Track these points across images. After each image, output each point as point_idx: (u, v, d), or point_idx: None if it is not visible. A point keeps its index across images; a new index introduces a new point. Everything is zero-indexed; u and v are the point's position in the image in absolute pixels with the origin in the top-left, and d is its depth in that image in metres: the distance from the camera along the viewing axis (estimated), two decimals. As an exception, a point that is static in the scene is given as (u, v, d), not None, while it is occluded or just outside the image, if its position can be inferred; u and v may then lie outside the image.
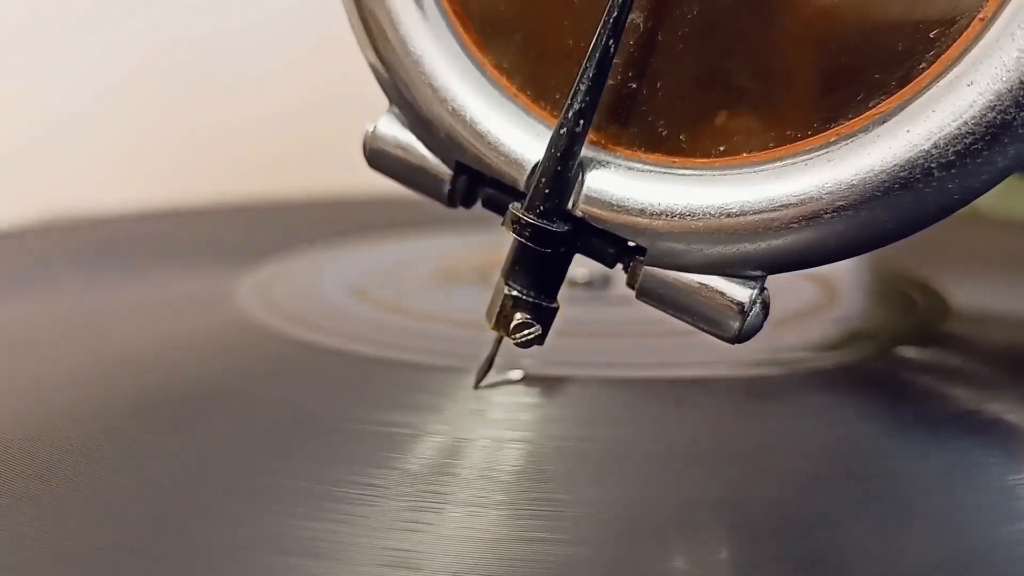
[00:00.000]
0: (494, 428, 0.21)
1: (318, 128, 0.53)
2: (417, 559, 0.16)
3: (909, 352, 0.26)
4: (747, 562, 0.17)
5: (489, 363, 0.22)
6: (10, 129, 0.53)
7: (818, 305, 0.29)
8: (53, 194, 0.49)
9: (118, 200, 0.46)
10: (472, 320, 0.26)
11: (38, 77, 0.53)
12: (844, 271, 0.32)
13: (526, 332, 0.21)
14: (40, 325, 0.29)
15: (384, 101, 0.22)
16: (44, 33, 0.53)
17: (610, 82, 0.20)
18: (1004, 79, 0.17)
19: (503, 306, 0.21)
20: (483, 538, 0.17)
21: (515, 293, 0.21)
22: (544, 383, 0.22)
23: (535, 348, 0.21)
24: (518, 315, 0.21)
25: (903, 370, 0.25)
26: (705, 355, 0.24)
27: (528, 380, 0.22)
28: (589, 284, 0.30)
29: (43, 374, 0.25)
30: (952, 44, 0.18)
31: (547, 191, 0.20)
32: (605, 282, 0.30)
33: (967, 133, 0.18)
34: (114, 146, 0.54)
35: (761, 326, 0.20)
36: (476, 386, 0.22)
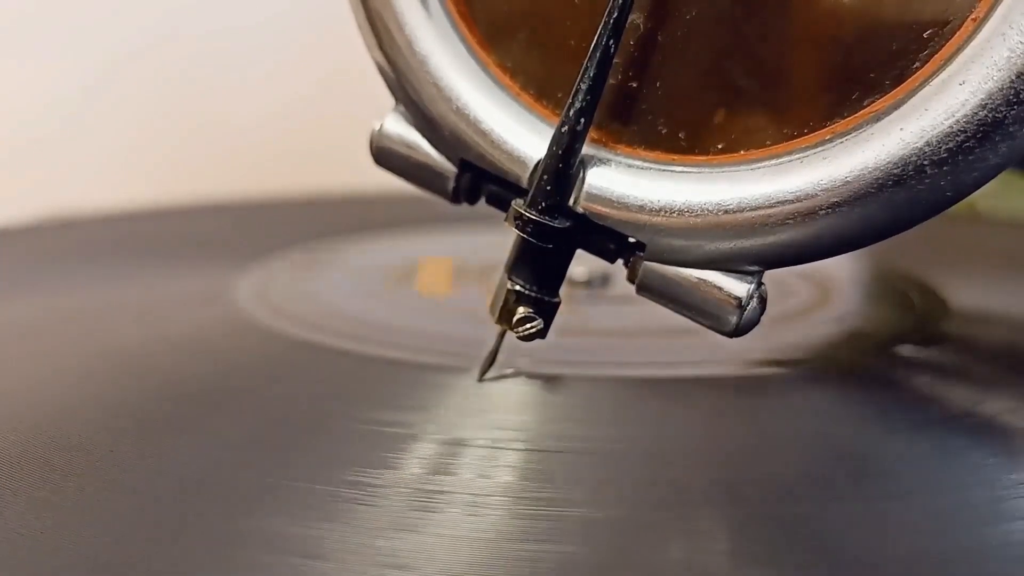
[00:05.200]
0: (492, 427, 0.21)
1: (318, 126, 0.53)
2: (415, 559, 0.16)
3: (908, 351, 0.25)
4: (745, 560, 0.17)
5: (492, 357, 0.22)
6: (10, 129, 0.52)
7: (817, 304, 0.29)
8: (53, 194, 0.49)
9: (118, 199, 0.46)
10: (471, 319, 0.27)
11: (37, 77, 0.53)
12: (843, 270, 0.33)
13: (528, 326, 0.21)
14: (40, 324, 0.29)
15: (386, 99, 0.22)
16: (43, 33, 0.52)
17: (611, 81, 0.20)
18: (995, 78, 0.18)
19: (506, 300, 0.21)
20: (481, 538, 0.17)
21: (518, 288, 0.21)
22: (543, 382, 0.22)
23: (535, 345, 0.21)
24: (521, 309, 0.21)
25: (902, 369, 0.25)
26: (704, 354, 0.24)
27: (527, 379, 0.22)
28: (588, 283, 0.30)
29: (43, 373, 0.25)
30: (945, 44, 0.18)
31: (549, 188, 0.20)
32: (604, 281, 0.30)
33: (959, 131, 0.18)
34: (113, 145, 0.54)
35: (758, 320, 0.20)
36: (480, 379, 0.22)
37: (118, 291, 0.32)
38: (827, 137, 0.19)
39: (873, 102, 0.19)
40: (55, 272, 0.34)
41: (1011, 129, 0.18)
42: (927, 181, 0.18)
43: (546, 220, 0.20)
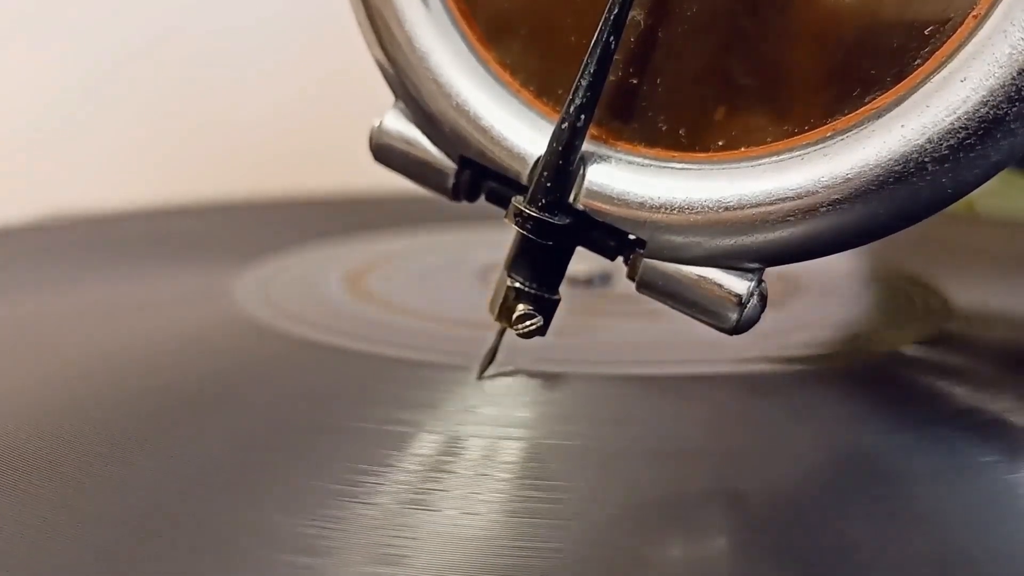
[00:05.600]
0: (492, 425, 0.21)
1: (318, 126, 0.53)
2: (414, 555, 0.16)
3: (909, 351, 0.26)
4: (746, 559, 0.17)
5: (492, 355, 0.22)
6: (10, 128, 0.52)
7: (819, 302, 0.29)
8: (53, 194, 0.49)
9: (118, 199, 0.46)
10: (471, 318, 0.27)
11: (37, 76, 0.53)
12: (845, 269, 0.33)
13: (528, 323, 0.21)
14: (40, 324, 0.29)
15: (386, 99, 0.22)
16: (44, 32, 0.52)
17: (611, 78, 0.20)
18: (997, 75, 0.18)
19: (506, 298, 0.21)
20: (480, 535, 0.17)
21: (517, 285, 0.21)
22: (542, 380, 0.22)
23: (535, 343, 0.21)
24: (520, 306, 0.21)
25: (903, 368, 0.25)
26: (705, 352, 0.24)
27: (527, 377, 0.22)
28: (589, 281, 0.30)
29: (43, 373, 0.25)
30: (946, 41, 0.18)
31: (549, 184, 0.20)
32: (605, 279, 0.30)
33: (960, 128, 0.18)
34: (113, 145, 0.53)
35: (758, 318, 0.20)
36: (479, 377, 0.22)
37: (118, 291, 0.32)
38: (828, 134, 0.19)
39: (874, 99, 0.19)
40: (55, 272, 0.35)
41: (1012, 126, 0.18)
42: (928, 178, 0.18)
43: (546, 217, 0.20)
